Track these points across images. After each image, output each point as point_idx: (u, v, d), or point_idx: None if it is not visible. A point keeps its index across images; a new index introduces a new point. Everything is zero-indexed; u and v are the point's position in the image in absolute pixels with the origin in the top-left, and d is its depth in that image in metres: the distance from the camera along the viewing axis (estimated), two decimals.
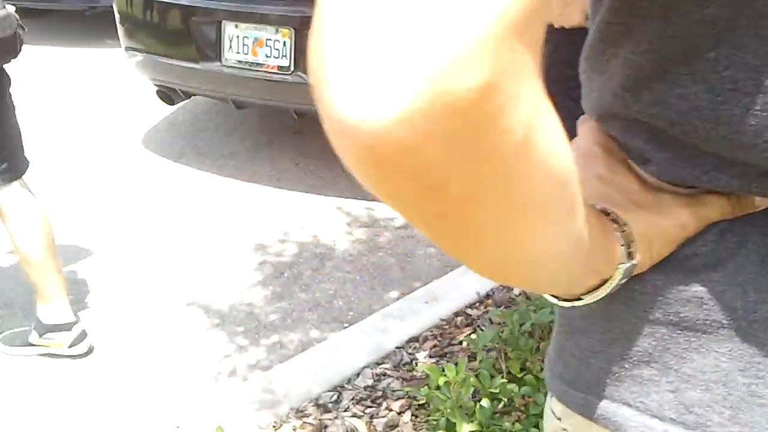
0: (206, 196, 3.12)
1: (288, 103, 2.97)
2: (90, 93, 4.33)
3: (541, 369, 1.60)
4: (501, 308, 2.12)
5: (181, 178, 3.27)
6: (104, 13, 5.34)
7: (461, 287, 2.24)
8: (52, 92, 4.34)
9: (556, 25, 1.76)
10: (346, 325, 2.31)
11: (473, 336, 1.75)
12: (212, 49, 2.98)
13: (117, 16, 3.34)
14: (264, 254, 2.71)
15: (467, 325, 2.09)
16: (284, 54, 2.84)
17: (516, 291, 2.23)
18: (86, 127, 3.84)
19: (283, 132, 3.65)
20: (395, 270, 2.59)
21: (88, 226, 2.86)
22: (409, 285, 2.50)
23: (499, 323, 1.83)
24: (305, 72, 2.79)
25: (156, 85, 3.31)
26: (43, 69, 4.69)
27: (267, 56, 2.88)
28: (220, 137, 3.66)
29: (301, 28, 2.78)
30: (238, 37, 2.93)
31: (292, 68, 2.83)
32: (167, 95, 3.31)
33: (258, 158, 3.43)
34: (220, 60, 2.98)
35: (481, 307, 2.17)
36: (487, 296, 2.22)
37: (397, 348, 2.02)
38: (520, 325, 1.58)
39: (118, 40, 5.16)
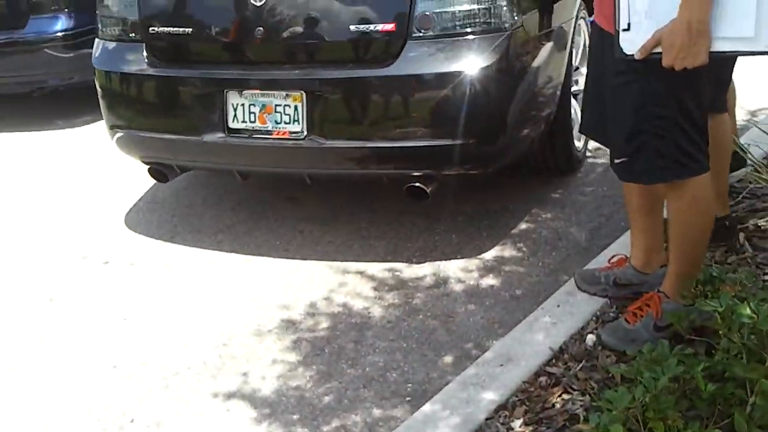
0: (211, 274, 2.93)
1: (301, 168, 2.84)
2: (51, 179, 4.09)
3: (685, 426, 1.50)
4: (583, 363, 2.02)
5: (180, 259, 3.07)
6: (53, 93, 5.14)
7: (530, 344, 2.13)
8: (6, 180, 4.09)
9: None
10: (408, 398, 2.17)
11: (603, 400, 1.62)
12: (214, 120, 2.84)
13: (99, 92, 3.16)
14: (296, 331, 2.54)
15: (554, 385, 1.97)
16: (296, 119, 2.72)
17: (590, 342, 2.14)
18: (55, 217, 3.60)
19: (276, 200, 3.51)
20: (440, 332, 2.46)
21: (88, 330, 2.64)
22: (461, 347, 2.38)
23: (626, 379, 1.72)
24: (320, 135, 2.69)
25: (148, 162, 3.13)
26: None
27: (277, 122, 2.75)
28: (211, 211, 3.48)
29: (312, 91, 2.68)
30: (243, 105, 2.80)
31: (305, 132, 2.71)
32: (161, 173, 3.12)
33: (257, 229, 3.27)
34: (224, 130, 2.83)
35: (560, 364, 2.06)
36: (561, 351, 2.12)
37: (487, 419, 1.89)
38: (654, 380, 1.48)
39: (69, 120, 4.99)
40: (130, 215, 3.53)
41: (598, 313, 2.26)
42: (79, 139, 4.70)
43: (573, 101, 3.21)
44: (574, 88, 3.21)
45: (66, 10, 4.73)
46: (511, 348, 2.12)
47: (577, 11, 3.12)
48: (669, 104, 1.83)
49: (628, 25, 1.73)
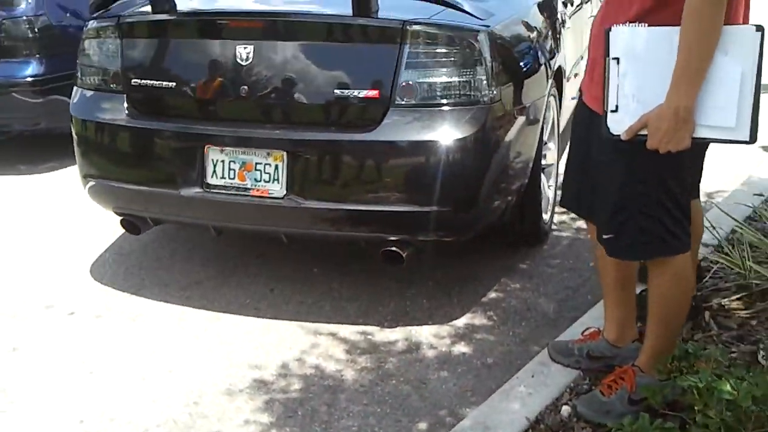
0: (180, 330, 2.90)
1: (278, 227, 2.85)
2: (14, 225, 4.02)
3: None
4: None
5: (147, 313, 3.03)
6: (17, 137, 5.09)
7: (507, 413, 2.16)
8: None
9: None
10: None
11: None
12: (193, 175, 2.84)
13: (75, 140, 3.14)
14: (268, 391, 2.52)
15: None
16: (276, 178, 2.75)
17: (565, 413, 2.17)
18: (18, 265, 3.53)
19: (246, 256, 3.50)
20: (414, 398, 2.47)
21: (57, 385, 2.58)
22: (435, 414, 2.39)
23: None
24: (300, 195, 2.72)
25: (121, 214, 3.10)
26: None
27: (256, 180, 2.77)
28: (179, 266, 3.45)
29: (294, 151, 2.72)
30: (223, 161, 2.81)
31: (285, 192, 2.73)
32: (134, 225, 3.10)
33: (227, 286, 3.25)
34: (201, 186, 2.84)
35: None
36: (537, 421, 2.15)
37: None
38: None
39: (33, 165, 4.92)
40: (96, 266, 3.48)
41: (572, 384, 2.30)
42: (43, 186, 4.64)
43: (542, 175, 3.31)
44: (543, 162, 3.31)
45: (37, 55, 4.71)
46: (488, 416, 2.14)
47: (549, 88, 3.24)
48: (653, 183, 1.91)
49: (616, 107, 1.81)
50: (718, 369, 1.80)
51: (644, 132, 1.79)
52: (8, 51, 4.67)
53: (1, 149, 5.24)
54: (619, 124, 1.82)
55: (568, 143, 2.29)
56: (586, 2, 4.67)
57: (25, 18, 4.65)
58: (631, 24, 1.79)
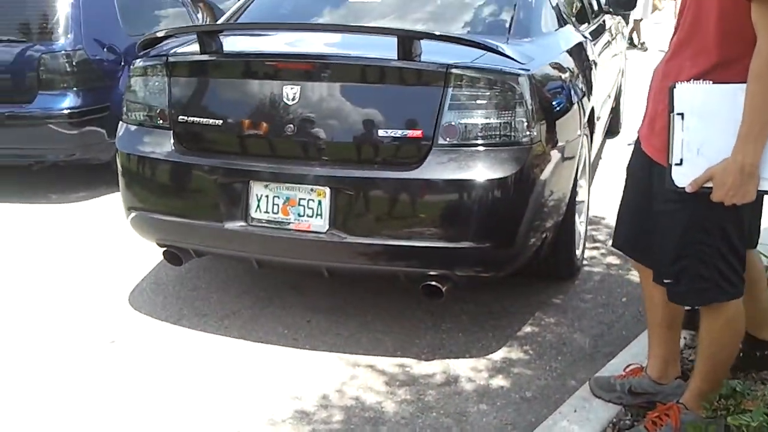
0: (221, 360, 2.96)
1: (321, 261, 2.92)
2: (48, 254, 4.10)
3: None
4: None
5: (188, 343, 3.10)
6: (50, 167, 5.19)
7: None
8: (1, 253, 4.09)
9: None
10: None
11: None
12: (237, 208, 2.93)
13: (120, 172, 3.23)
14: (310, 422, 2.58)
15: None
16: (319, 213, 2.82)
17: None
18: (56, 294, 3.61)
19: (281, 289, 3.57)
20: (455, 431, 2.52)
21: (98, 409, 2.64)
22: None
23: None
24: (342, 230, 2.79)
25: (163, 245, 3.18)
26: None
27: (299, 215, 2.85)
28: (216, 296, 3.52)
29: (338, 187, 2.80)
30: (267, 196, 2.89)
31: (327, 227, 2.81)
32: (176, 256, 3.17)
33: (263, 316, 3.31)
34: (245, 219, 2.92)
35: None
36: None
37: None
38: None
39: (64, 195, 5.02)
40: (135, 295, 3.55)
41: (614, 419, 2.35)
42: (75, 215, 4.72)
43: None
44: (576, 199, 3.39)
45: (74, 88, 4.82)
46: None
47: (583, 128, 3.33)
48: (714, 233, 1.99)
49: (681, 160, 1.88)
50: (766, 408, 1.85)
51: (709, 184, 1.87)
52: (46, 84, 4.79)
53: (33, 178, 5.34)
54: (684, 177, 1.89)
55: (624, 188, 2.35)
56: (611, 43, 4.78)
57: (63, 52, 4.78)
58: (695, 81, 1.87)
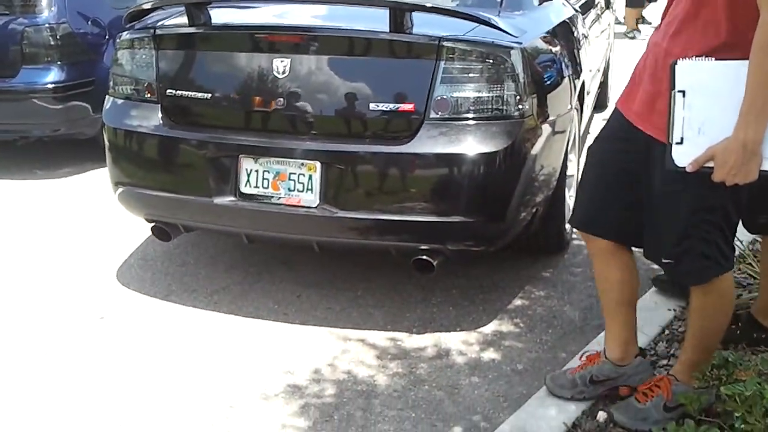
0: (211, 335, 2.96)
1: (311, 235, 2.91)
2: (35, 230, 4.07)
3: None
4: None
5: (177, 318, 3.09)
6: (35, 143, 5.13)
7: (544, 419, 2.23)
8: None
9: None
10: None
11: None
12: (226, 183, 2.91)
13: (107, 147, 3.19)
14: (302, 396, 2.58)
15: None
16: (309, 188, 2.81)
17: (601, 419, 2.24)
18: (44, 270, 3.58)
19: (271, 263, 3.56)
20: (447, 403, 2.53)
21: (85, 384, 2.63)
22: (469, 419, 2.45)
23: None
24: (333, 205, 2.78)
25: (152, 220, 3.16)
26: None
27: (290, 190, 2.83)
28: (204, 272, 3.51)
29: (328, 162, 2.78)
30: (257, 171, 2.87)
31: (318, 201, 2.79)
32: (165, 231, 3.15)
33: (253, 291, 3.31)
34: (235, 194, 2.90)
35: None
36: (574, 426, 2.21)
37: None
38: None
39: (50, 170, 4.97)
40: (122, 271, 3.53)
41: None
42: (61, 191, 4.68)
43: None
44: (566, 173, 3.39)
45: (58, 62, 4.75)
46: (526, 422, 2.21)
47: (574, 102, 3.32)
48: (716, 211, 1.96)
49: (681, 139, 1.82)
50: (759, 378, 1.87)
51: (710, 164, 1.81)
52: (30, 58, 4.71)
53: (18, 154, 5.28)
54: (684, 156, 1.83)
55: (590, 166, 2.28)
56: (600, 17, 4.76)
57: (47, 25, 4.70)
58: (697, 57, 1.82)
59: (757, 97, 1.71)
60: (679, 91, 1.81)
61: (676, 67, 1.81)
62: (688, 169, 1.83)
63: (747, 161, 1.76)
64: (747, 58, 1.74)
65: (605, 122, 2.30)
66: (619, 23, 10.93)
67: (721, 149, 1.78)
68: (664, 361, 2.57)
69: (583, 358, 2.42)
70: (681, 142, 1.82)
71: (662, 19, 2.04)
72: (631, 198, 2.11)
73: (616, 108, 2.18)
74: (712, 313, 2.08)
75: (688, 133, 1.82)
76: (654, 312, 2.86)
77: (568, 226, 3.51)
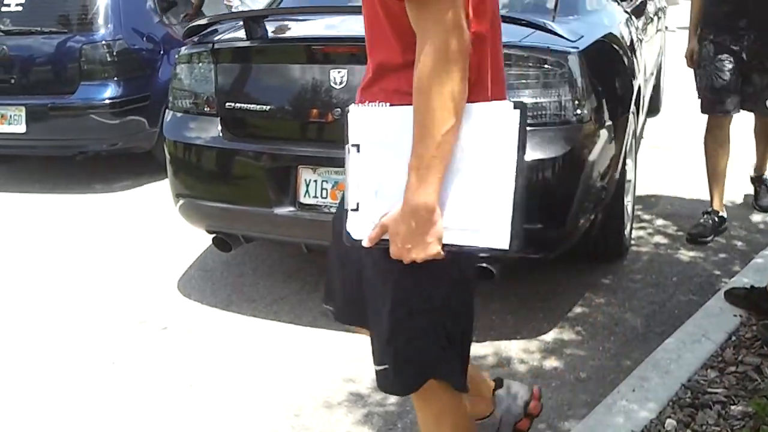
0: (273, 344, 2.99)
1: None
2: (97, 243, 4.16)
3: None
4: None
5: (238, 328, 3.13)
6: (93, 157, 5.25)
7: (612, 427, 2.19)
8: (50, 243, 4.15)
9: None
10: None
11: None
12: (286, 194, 2.94)
13: (168, 160, 3.25)
14: (365, 405, 2.59)
15: None
16: None
17: (669, 427, 2.21)
18: (107, 281, 3.66)
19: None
20: None
21: (149, 394, 2.68)
22: (535, 427, 2.37)
23: None
24: None
25: (212, 231, 3.21)
26: (28, 218, 4.50)
27: None
28: (263, 282, 3.55)
29: None
30: (315, 181, 2.90)
31: None
32: (225, 242, 3.20)
33: (312, 301, 3.33)
34: (294, 204, 2.93)
35: None
36: None
37: None
38: None
39: (108, 184, 5.08)
40: (183, 282, 3.59)
41: (674, 398, 2.33)
42: (119, 205, 4.79)
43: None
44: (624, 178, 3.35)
45: (115, 78, 4.88)
46: (595, 430, 2.18)
47: (631, 106, 3.29)
48: (420, 303, 1.50)
49: (357, 204, 1.44)
50: None
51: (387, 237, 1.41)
52: (88, 74, 4.85)
53: (76, 169, 5.41)
54: (360, 227, 1.44)
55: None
56: (652, 20, 4.71)
57: (103, 42, 4.83)
58: (371, 104, 1.46)
59: (421, 149, 1.33)
60: (353, 145, 1.43)
61: (349, 115, 1.46)
62: (363, 245, 1.43)
63: (422, 231, 1.35)
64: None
65: None
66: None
67: (392, 218, 1.38)
68: (732, 368, 2.52)
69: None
70: (357, 209, 1.44)
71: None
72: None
73: None
74: None
75: (364, 197, 1.43)
76: (719, 318, 2.81)
77: (627, 231, 3.47)
